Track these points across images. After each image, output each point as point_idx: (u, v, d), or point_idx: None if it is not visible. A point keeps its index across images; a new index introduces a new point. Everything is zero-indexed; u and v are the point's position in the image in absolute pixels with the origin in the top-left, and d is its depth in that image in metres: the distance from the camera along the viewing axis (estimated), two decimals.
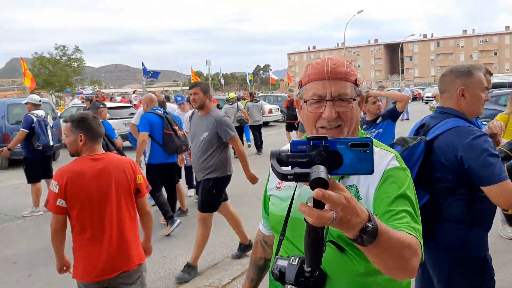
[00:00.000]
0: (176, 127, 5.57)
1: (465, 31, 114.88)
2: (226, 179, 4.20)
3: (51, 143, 6.56)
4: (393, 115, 4.49)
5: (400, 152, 2.01)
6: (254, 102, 12.59)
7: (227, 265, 4.39)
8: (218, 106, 15.18)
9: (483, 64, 2.64)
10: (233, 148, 4.34)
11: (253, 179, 4.31)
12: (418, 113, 17.00)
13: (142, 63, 24.51)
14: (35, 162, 6.56)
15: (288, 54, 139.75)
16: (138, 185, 2.61)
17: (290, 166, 0.80)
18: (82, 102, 16.46)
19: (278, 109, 20.47)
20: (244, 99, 15.74)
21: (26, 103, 6.81)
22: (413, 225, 1.08)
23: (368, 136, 1.24)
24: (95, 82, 62.60)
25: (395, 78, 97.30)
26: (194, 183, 6.62)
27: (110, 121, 6.60)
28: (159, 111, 5.58)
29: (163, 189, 5.60)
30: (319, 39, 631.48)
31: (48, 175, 6.69)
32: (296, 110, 6.80)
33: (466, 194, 1.95)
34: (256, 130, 12.13)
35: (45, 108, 7.67)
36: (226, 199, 4.36)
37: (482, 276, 2.00)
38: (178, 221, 5.35)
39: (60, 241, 2.48)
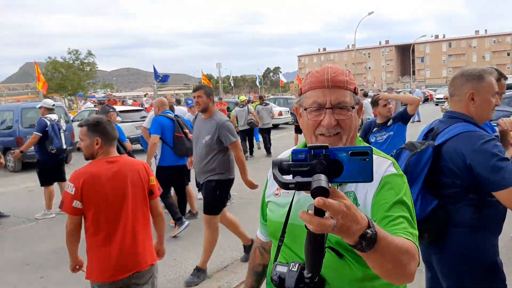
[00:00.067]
0: (187, 130, 5.65)
1: (477, 31, 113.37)
2: (228, 182, 4.20)
3: (64, 146, 6.66)
4: (404, 118, 4.46)
5: (408, 157, 2.02)
6: (264, 105, 12.66)
7: (236, 268, 4.40)
8: (228, 109, 15.25)
9: (496, 65, 2.61)
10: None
11: (251, 185, 4.33)
12: (429, 114, 16.85)
13: (154, 67, 24.78)
14: (49, 165, 6.66)
15: (298, 56, 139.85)
16: (151, 187, 2.66)
17: (291, 175, 0.81)
18: (95, 105, 16.65)
19: (288, 111, 20.40)
20: (253, 102, 15.77)
21: (40, 107, 6.93)
22: (410, 230, 1.10)
23: (366, 144, 1.26)
24: (107, 85, 63.19)
25: (406, 79, 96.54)
26: None
27: (121, 125, 6.70)
28: (170, 115, 5.67)
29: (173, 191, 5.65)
30: (329, 40, 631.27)
31: (61, 178, 6.81)
32: None
33: (474, 199, 1.93)
34: (266, 133, 12.21)
35: (58, 112, 7.78)
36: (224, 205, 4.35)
37: (493, 281, 1.98)
38: (186, 223, 5.39)
39: (75, 242, 2.52)
